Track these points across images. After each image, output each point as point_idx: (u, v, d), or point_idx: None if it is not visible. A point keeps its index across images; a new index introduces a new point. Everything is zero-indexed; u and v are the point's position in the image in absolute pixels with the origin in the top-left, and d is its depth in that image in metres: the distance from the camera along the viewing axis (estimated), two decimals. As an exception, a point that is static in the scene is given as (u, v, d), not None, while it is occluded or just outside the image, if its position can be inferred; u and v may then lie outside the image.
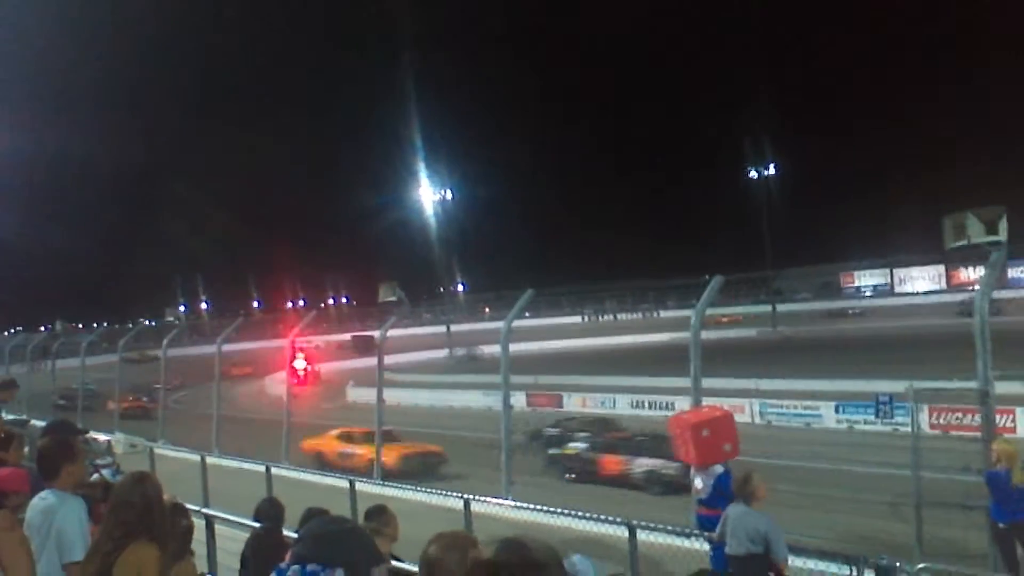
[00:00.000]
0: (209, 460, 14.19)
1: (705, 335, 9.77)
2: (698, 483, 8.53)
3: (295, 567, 2.39)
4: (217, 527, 7.19)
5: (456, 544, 2.54)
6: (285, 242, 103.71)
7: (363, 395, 36.60)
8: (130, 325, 66.18)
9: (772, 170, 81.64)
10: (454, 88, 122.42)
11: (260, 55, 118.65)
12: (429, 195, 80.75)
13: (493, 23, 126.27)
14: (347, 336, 73.89)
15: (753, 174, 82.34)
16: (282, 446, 15.25)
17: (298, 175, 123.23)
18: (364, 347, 57.83)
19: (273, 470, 12.68)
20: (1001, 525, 8.42)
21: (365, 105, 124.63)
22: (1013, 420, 21.34)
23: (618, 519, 7.36)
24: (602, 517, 7.96)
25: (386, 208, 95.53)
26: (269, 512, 6.42)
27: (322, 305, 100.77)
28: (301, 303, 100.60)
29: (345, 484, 10.44)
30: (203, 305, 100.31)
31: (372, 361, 16.02)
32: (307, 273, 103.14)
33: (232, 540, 6.94)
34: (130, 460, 14.54)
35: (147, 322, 79.91)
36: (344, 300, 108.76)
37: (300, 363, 42.81)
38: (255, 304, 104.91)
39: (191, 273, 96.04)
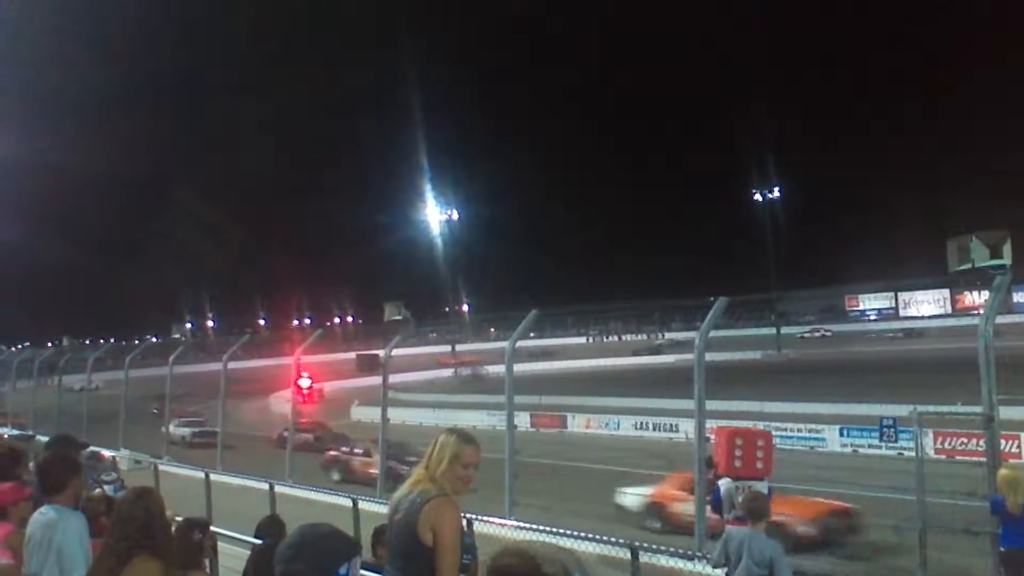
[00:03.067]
0: (213, 477, 14.19)
1: (709, 357, 9.75)
2: (740, 498, 8.51)
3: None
4: (220, 544, 7.21)
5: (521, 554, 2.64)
6: (292, 260, 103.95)
7: (367, 413, 36.63)
8: (136, 341, 66.30)
9: (776, 192, 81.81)
10: (460, 109, 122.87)
11: (268, 73, 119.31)
12: (435, 215, 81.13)
13: (499, 43, 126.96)
14: (353, 354, 74.00)
15: (758, 196, 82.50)
16: (286, 464, 15.23)
17: (305, 193, 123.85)
18: (369, 365, 57.84)
19: (276, 488, 12.67)
20: (1004, 550, 8.38)
21: (373, 125, 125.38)
22: (1018, 446, 21.26)
23: (621, 540, 7.35)
24: (604, 538, 7.94)
25: (392, 228, 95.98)
26: (271, 529, 6.45)
27: (328, 323, 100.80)
28: (307, 321, 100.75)
29: (348, 502, 10.44)
30: (209, 322, 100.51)
31: (377, 379, 16.02)
32: (313, 291, 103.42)
33: (234, 557, 6.95)
34: (135, 477, 14.56)
35: (153, 338, 79.98)
36: (350, 319, 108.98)
37: (304, 381, 42.80)
38: (261, 322, 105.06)
39: (198, 290, 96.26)
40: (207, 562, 5.32)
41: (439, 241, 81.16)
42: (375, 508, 10.14)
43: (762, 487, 8.55)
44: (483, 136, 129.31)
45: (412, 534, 3.21)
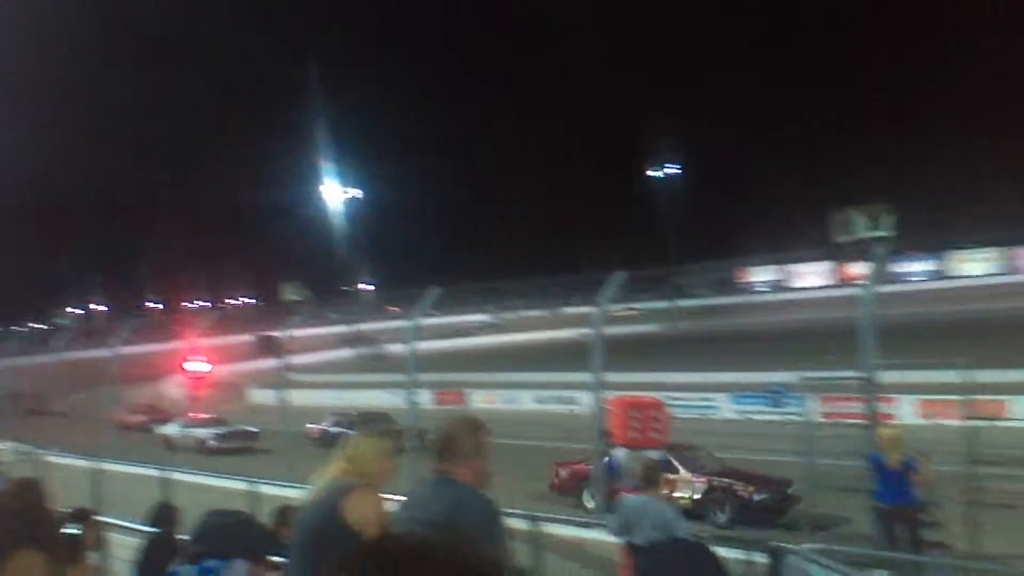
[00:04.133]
0: (103, 465, 13.68)
1: (608, 330, 9.95)
2: (613, 461, 8.71)
3: (190, 567, 2.35)
4: (111, 534, 6.97)
5: (467, 425, 3.30)
6: (186, 240, 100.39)
7: (266, 396, 35.91)
8: (15, 328, 63.05)
9: (672, 169, 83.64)
10: (361, 86, 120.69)
11: (166, 46, 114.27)
12: (335, 193, 79.61)
13: (399, 20, 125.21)
14: (250, 336, 72.27)
15: (653, 173, 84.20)
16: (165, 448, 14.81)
17: (199, 170, 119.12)
18: (268, 347, 56.67)
19: (170, 474, 12.32)
20: (882, 506, 8.88)
21: (270, 101, 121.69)
22: (895, 408, 22.47)
23: (520, 511, 7.45)
24: (506, 511, 8.03)
25: (291, 206, 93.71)
26: (163, 516, 6.27)
27: (224, 305, 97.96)
28: (202, 303, 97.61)
29: (244, 486, 10.24)
30: (98, 307, 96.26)
31: (276, 361, 15.72)
32: (210, 272, 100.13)
33: (125, 547, 6.73)
34: (22, 469, 13.89)
35: (39, 325, 76.22)
36: (247, 299, 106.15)
37: (198, 365, 41.57)
38: (154, 305, 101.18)
39: (86, 273, 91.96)
40: (94, 554, 5.15)
41: (339, 220, 79.83)
42: (275, 492, 9.98)
43: (657, 455, 8.79)
44: (384, 114, 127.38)
45: (333, 520, 3.18)
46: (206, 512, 2.56)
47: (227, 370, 54.29)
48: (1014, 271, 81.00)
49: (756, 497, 13.52)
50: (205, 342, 38.76)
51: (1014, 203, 79.92)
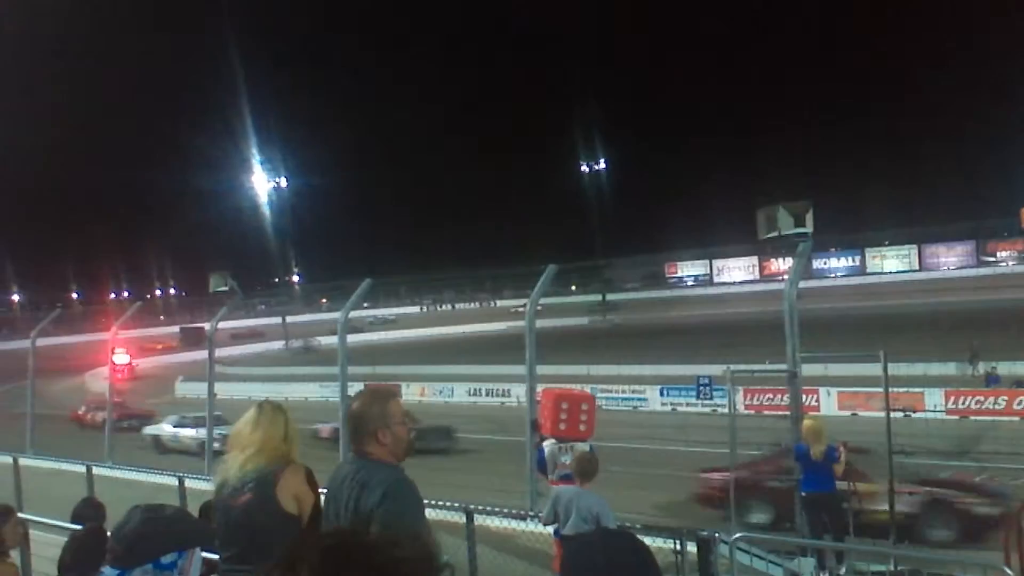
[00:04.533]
0: (23, 462, 13.21)
1: (539, 323, 10.02)
2: (566, 459, 8.79)
3: (124, 569, 2.27)
4: (32, 532, 6.75)
5: (377, 396, 3.12)
6: (109, 229, 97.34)
7: (193, 389, 35.16)
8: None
9: (602, 163, 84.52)
10: (288, 75, 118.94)
11: (88, 31, 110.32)
12: (263, 183, 78.12)
13: (328, 11, 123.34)
14: (176, 328, 70.73)
15: (583, 168, 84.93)
16: (104, 444, 14.39)
17: (122, 158, 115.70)
18: (194, 339, 55.56)
19: (95, 470, 11.97)
20: (805, 495, 9.17)
21: (197, 89, 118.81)
22: (817, 399, 23.19)
23: (456, 504, 7.47)
24: (439, 503, 8.05)
25: (217, 195, 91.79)
26: (88, 513, 6.10)
27: (148, 296, 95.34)
28: (125, 294, 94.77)
29: (174, 481, 10.03)
30: (15, 297, 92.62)
31: (203, 354, 15.38)
32: (133, 262, 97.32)
33: (48, 545, 6.53)
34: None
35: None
36: (172, 290, 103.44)
37: (122, 358, 40.52)
38: (75, 295, 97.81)
39: (3, 264, 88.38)
40: (15, 552, 4.98)
41: (267, 209, 78.49)
42: (203, 486, 9.79)
43: (584, 447, 8.90)
44: (312, 104, 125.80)
45: (271, 505, 3.10)
46: (138, 509, 2.46)
47: (152, 363, 53.00)
48: (927, 268, 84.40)
49: (979, 510, 11.93)
50: (128, 334, 37.72)
51: (928, 204, 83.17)
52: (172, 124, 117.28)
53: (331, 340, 37.76)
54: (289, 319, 74.02)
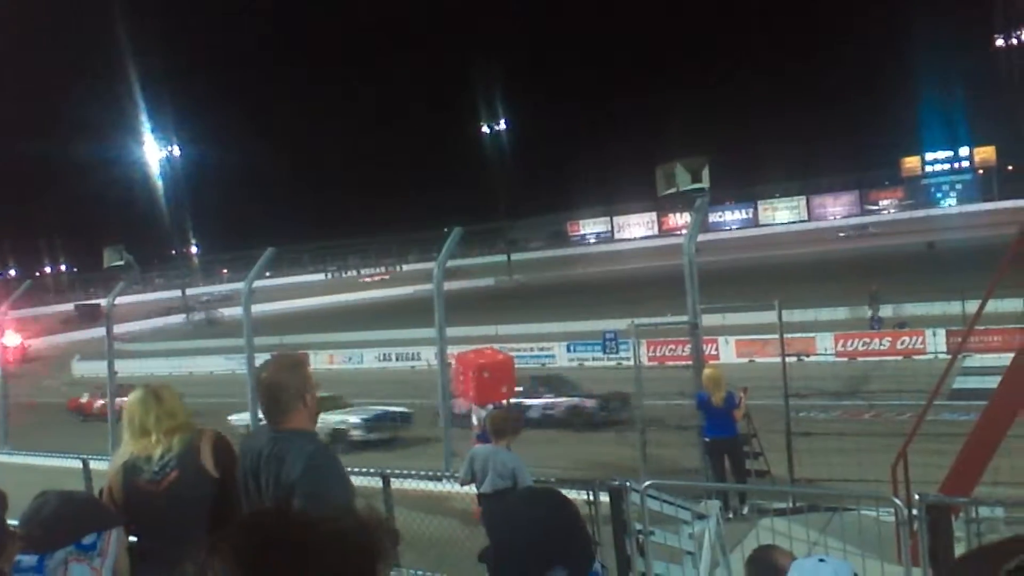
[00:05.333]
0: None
1: (447, 286, 10.06)
2: (475, 420, 8.92)
3: (37, 555, 2.24)
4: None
5: (288, 363, 3.03)
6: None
7: (91, 368, 33.90)
8: None
9: (503, 124, 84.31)
10: (179, 41, 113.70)
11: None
12: (155, 152, 74.77)
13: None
14: (70, 306, 67.90)
15: (483, 129, 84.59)
16: (1, 430, 13.81)
17: (7, 127, 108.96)
18: (90, 317, 53.47)
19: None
20: (708, 440, 9.58)
21: (82, 55, 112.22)
22: (717, 348, 24.01)
23: (372, 469, 7.51)
24: (354, 469, 8.07)
25: (108, 166, 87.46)
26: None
27: (38, 273, 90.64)
28: (12, 272, 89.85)
29: (78, 464, 9.73)
30: None
31: (100, 331, 14.88)
32: (19, 238, 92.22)
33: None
34: None
35: None
36: (64, 267, 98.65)
37: (12, 338, 38.64)
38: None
39: None
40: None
41: (160, 180, 75.27)
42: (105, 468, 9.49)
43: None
44: (206, 69, 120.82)
45: (200, 475, 3.03)
46: (51, 493, 2.41)
47: (45, 343, 50.74)
48: (815, 218, 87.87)
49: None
50: (17, 314, 35.94)
51: (815, 157, 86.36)
52: (55, 90, 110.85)
53: (234, 311, 36.93)
54: (189, 291, 71.84)
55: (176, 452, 3.06)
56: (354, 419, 17.74)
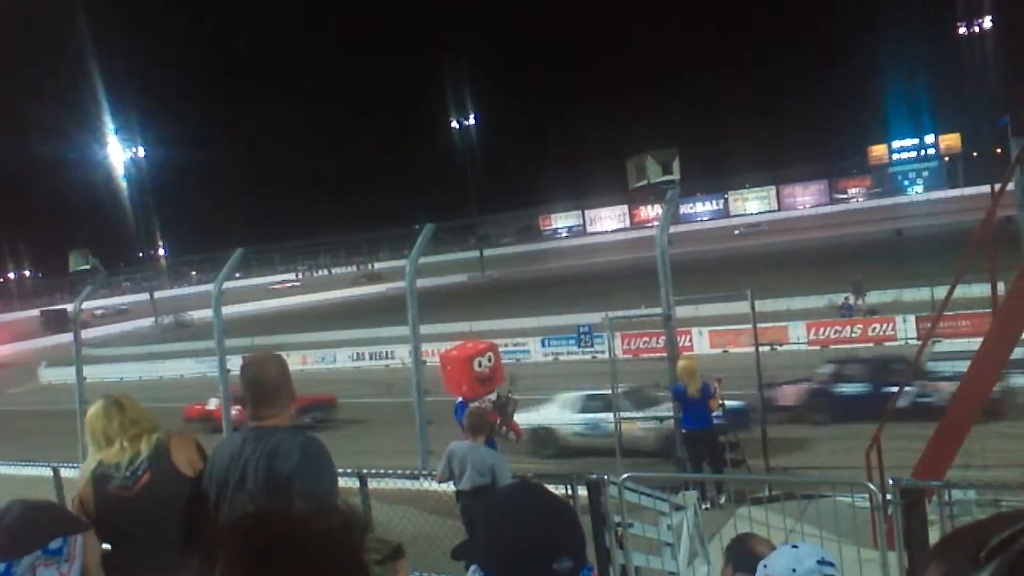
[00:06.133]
0: None
1: (419, 283, 10.00)
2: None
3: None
4: None
5: (273, 361, 3.13)
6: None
7: (59, 375, 33.41)
8: None
9: (472, 120, 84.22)
10: (143, 43, 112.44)
11: None
12: (119, 154, 73.70)
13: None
14: (36, 312, 66.95)
15: (454, 124, 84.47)
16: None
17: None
18: (57, 322, 52.75)
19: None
20: (685, 431, 9.61)
21: (45, 55, 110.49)
22: (691, 340, 24.14)
23: (348, 469, 7.44)
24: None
25: (72, 169, 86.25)
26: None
27: (2, 279, 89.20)
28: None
29: (48, 473, 9.57)
30: None
31: (67, 337, 14.63)
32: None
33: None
34: None
35: None
36: (28, 272, 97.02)
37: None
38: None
39: None
40: None
41: (126, 182, 74.26)
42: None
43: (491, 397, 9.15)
44: (171, 73, 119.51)
45: (173, 476, 2.99)
46: (16, 502, 2.38)
47: (10, 349, 49.97)
48: (785, 207, 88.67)
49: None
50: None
51: (783, 146, 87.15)
52: (17, 92, 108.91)
53: (204, 314, 36.55)
54: (157, 294, 71.03)
55: (146, 455, 3.03)
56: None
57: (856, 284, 27.60)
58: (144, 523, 2.94)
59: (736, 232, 74.39)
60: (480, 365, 9.56)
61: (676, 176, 9.88)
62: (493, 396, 9.44)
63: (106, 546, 2.80)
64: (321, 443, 2.95)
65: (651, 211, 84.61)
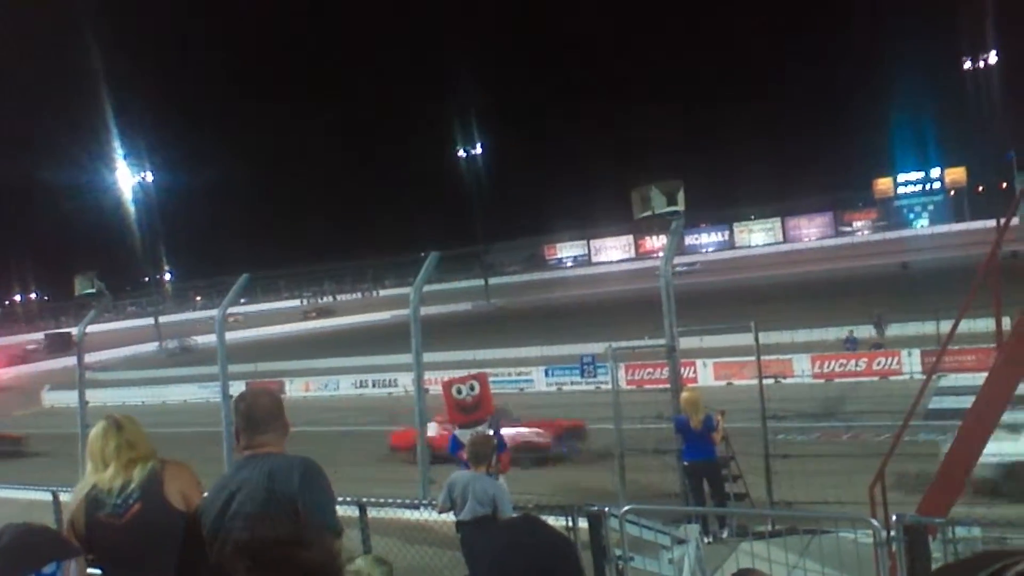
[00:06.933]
0: None
1: (423, 311, 10.01)
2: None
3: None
4: None
5: (265, 391, 3.28)
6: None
7: (63, 398, 33.43)
8: None
9: (479, 149, 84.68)
10: (152, 70, 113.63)
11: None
12: (127, 179, 74.13)
13: (193, 9, 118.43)
14: (40, 335, 67.13)
15: (461, 152, 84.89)
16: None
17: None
18: (61, 346, 52.86)
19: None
20: (687, 464, 9.54)
21: (54, 81, 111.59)
22: (695, 371, 24.06)
23: (348, 498, 7.40)
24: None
25: (79, 193, 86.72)
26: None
27: (8, 302, 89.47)
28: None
29: (47, 496, 9.55)
30: None
31: (71, 361, 14.65)
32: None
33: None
34: None
35: None
36: (35, 296, 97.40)
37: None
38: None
39: None
40: None
41: (133, 206, 74.61)
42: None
43: (484, 429, 9.08)
44: (179, 99, 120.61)
45: (163, 509, 2.97)
46: (10, 526, 2.38)
47: (13, 373, 49.99)
48: (790, 239, 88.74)
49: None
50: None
51: (789, 178, 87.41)
52: (25, 117, 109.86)
53: (208, 339, 36.58)
54: (162, 319, 71.13)
55: (137, 484, 3.00)
56: None
57: (877, 318, 27.48)
58: (132, 553, 2.91)
59: (674, 272, 74.72)
60: (460, 392, 9.53)
61: (680, 207, 9.90)
62: (487, 428, 9.40)
63: (95, 571, 2.79)
64: (316, 463, 2.96)
65: (657, 241, 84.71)
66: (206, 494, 3.05)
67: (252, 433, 3.04)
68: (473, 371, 12.42)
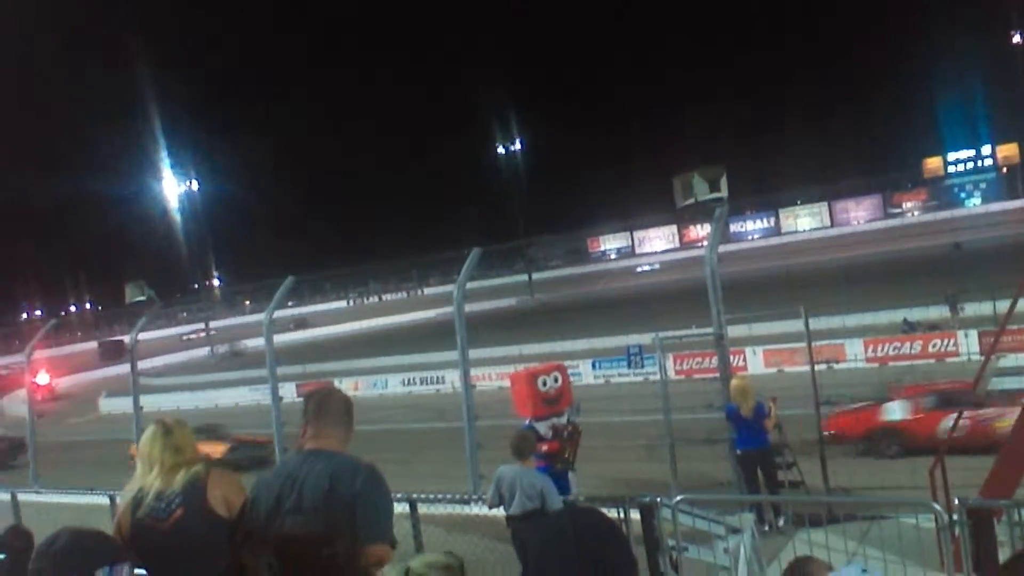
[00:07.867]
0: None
1: (468, 307, 10.00)
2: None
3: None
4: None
5: (338, 391, 3.35)
6: (17, 243, 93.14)
7: (118, 405, 34.19)
8: None
9: (518, 144, 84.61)
10: (194, 75, 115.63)
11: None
12: (174, 187, 75.57)
13: (233, 16, 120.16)
14: (95, 343, 68.75)
15: (501, 149, 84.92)
16: (30, 469, 13.88)
17: (24, 168, 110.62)
18: (115, 353, 54.09)
19: (20, 496, 11.53)
20: (739, 452, 9.41)
21: (103, 95, 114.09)
22: (744, 359, 23.75)
23: (399, 494, 7.41)
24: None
25: (127, 202, 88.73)
26: (14, 542, 5.85)
27: (63, 312, 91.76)
28: (38, 312, 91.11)
29: (105, 500, 9.72)
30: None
31: (125, 368, 14.96)
32: (43, 278, 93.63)
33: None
34: None
35: None
36: (88, 304, 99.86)
37: (43, 377, 39.23)
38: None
39: None
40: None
41: (180, 214, 76.05)
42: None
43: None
44: (222, 103, 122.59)
45: (205, 514, 2.98)
46: (65, 529, 2.41)
47: (72, 381, 51.25)
48: (838, 224, 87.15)
49: None
50: (44, 354, 36.36)
51: (835, 161, 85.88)
52: (75, 129, 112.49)
53: (258, 342, 37.15)
54: (213, 324, 72.37)
55: (179, 490, 3.02)
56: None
57: (951, 298, 26.72)
58: (174, 557, 2.92)
59: (638, 270, 74.77)
60: (545, 384, 9.55)
61: (724, 194, 9.78)
62: (563, 419, 9.45)
63: (141, 572, 2.81)
64: (380, 471, 2.96)
65: (701, 231, 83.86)
66: (261, 481, 3.05)
67: (320, 424, 3.06)
68: (519, 367, 12.46)
